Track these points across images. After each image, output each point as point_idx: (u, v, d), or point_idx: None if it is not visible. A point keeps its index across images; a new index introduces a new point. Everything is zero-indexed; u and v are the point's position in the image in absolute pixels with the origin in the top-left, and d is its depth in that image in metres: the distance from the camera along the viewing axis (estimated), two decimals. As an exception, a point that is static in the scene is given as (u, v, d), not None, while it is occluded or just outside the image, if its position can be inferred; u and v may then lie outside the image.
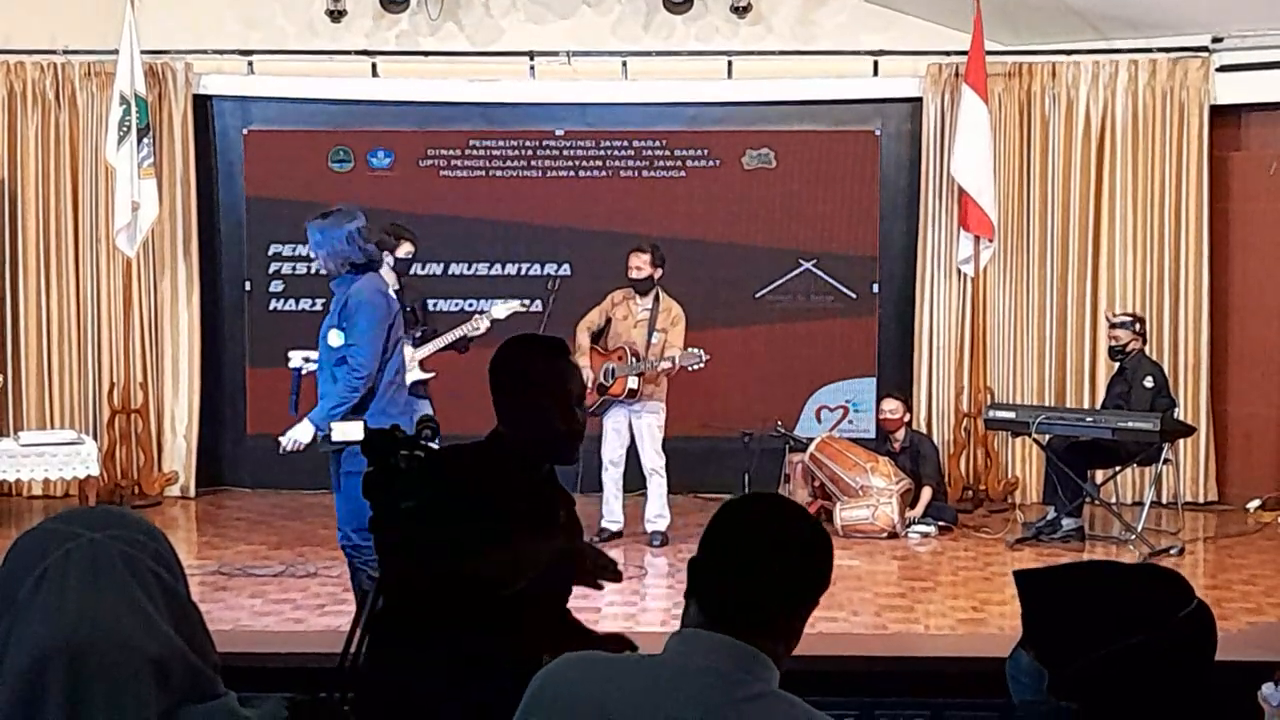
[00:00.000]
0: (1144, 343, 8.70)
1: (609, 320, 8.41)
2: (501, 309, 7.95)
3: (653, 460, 8.33)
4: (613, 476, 8.41)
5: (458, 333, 8.01)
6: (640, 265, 8.30)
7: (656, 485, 8.35)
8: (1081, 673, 1.76)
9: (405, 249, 7.94)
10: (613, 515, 8.45)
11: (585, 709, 1.91)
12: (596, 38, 9.85)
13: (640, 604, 7.15)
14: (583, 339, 8.34)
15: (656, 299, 8.37)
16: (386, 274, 7.95)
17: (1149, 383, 8.39)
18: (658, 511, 8.37)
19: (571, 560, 3.25)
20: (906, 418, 9.24)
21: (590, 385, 8.18)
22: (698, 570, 2.00)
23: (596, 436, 8.31)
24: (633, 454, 8.42)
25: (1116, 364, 8.69)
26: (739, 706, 1.86)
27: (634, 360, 8.23)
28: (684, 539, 8.27)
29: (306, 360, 6.36)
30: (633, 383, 8.22)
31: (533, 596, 3.10)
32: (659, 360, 8.21)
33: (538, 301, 8.94)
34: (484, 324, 7.92)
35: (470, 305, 9.54)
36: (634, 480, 8.51)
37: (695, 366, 8.23)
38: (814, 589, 2.01)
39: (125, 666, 1.47)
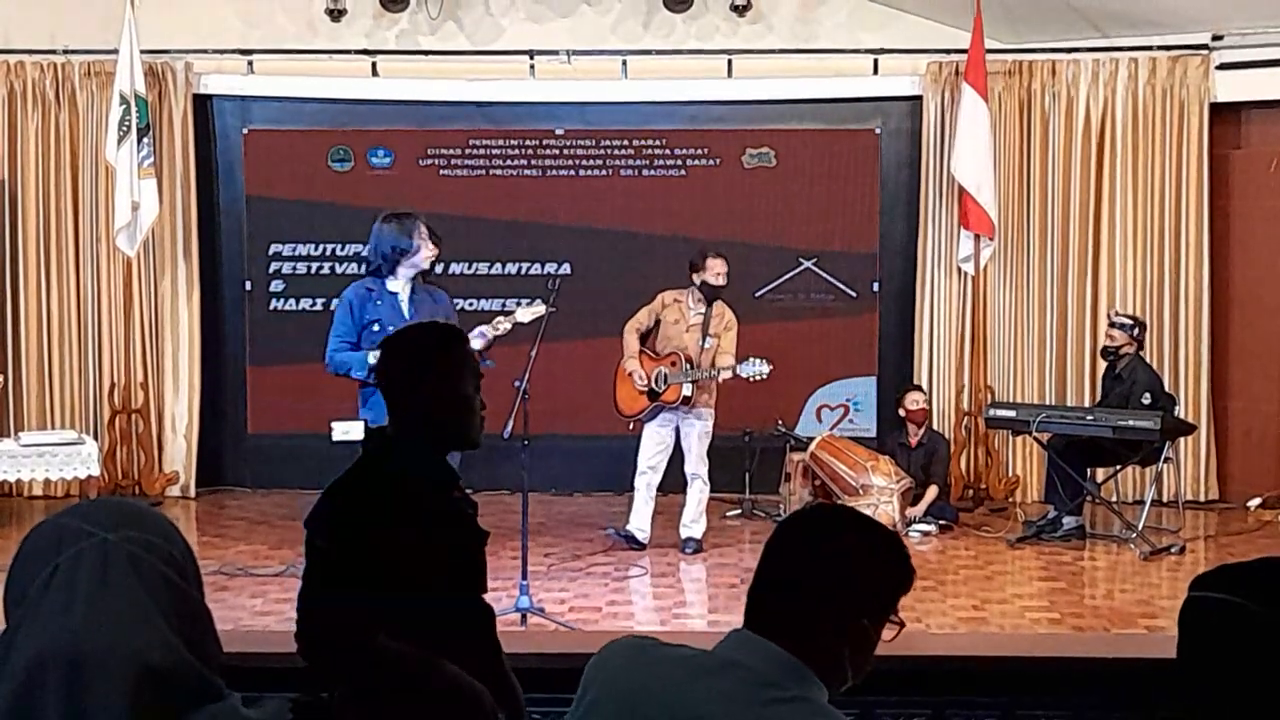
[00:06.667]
0: (1139, 348, 8.67)
1: (658, 321, 8.22)
2: (526, 313, 7.71)
3: (696, 466, 8.13)
4: (649, 481, 8.16)
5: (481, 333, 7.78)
6: (725, 272, 8.14)
7: (698, 490, 8.14)
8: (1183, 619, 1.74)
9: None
10: (641, 525, 8.20)
11: (624, 691, 1.98)
12: (596, 37, 9.84)
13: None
14: (632, 340, 8.16)
15: (710, 304, 8.22)
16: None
17: (1146, 399, 8.35)
18: (693, 517, 8.18)
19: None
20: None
21: (642, 389, 8.08)
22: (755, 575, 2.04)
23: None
24: (671, 460, 8.20)
25: (1107, 362, 8.68)
26: (764, 709, 1.86)
27: (688, 366, 8.01)
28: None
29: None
30: (687, 390, 7.99)
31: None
32: (716, 370, 7.98)
33: (539, 301, 8.90)
34: (505, 325, 7.61)
35: (470, 305, 9.52)
36: (666, 485, 8.33)
37: (756, 378, 7.94)
38: (852, 603, 1.96)
39: (125, 675, 1.47)
